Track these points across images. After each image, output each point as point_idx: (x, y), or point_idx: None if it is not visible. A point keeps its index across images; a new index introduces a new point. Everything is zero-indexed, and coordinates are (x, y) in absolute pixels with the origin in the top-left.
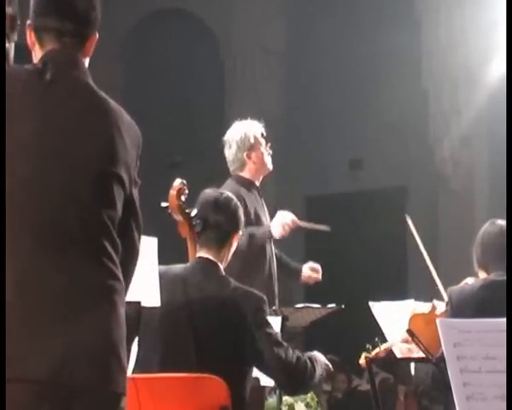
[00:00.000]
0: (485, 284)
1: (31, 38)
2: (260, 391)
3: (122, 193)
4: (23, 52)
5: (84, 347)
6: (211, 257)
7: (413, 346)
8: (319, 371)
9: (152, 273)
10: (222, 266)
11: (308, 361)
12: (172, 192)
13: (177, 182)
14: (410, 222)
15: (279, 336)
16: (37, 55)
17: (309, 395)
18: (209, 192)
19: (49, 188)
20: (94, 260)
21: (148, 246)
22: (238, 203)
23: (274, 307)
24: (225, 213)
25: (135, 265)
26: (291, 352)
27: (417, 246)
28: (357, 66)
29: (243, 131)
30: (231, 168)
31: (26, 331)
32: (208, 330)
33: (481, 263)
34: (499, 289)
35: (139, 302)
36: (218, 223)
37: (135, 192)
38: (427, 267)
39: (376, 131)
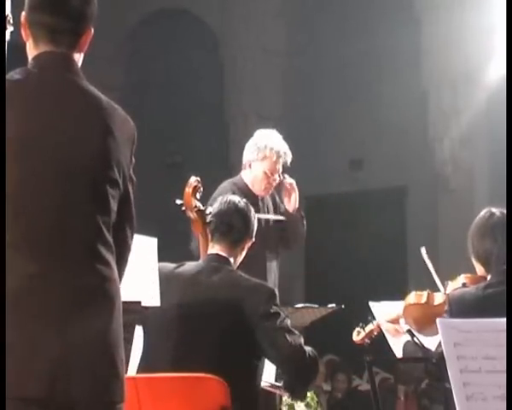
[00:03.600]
0: (484, 295)
1: (25, 30)
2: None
3: (117, 194)
4: (23, 52)
5: (81, 359)
6: (223, 253)
7: (399, 327)
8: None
9: (152, 273)
10: (232, 262)
11: (315, 355)
12: (188, 190)
13: (193, 179)
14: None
15: (290, 325)
16: (30, 51)
17: (309, 394)
18: (235, 198)
19: (43, 193)
20: (88, 267)
21: (148, 246)
22: (256, 220)
23: None
24: (244, 218)
25: (126, 261)
26: (302, 340)
27: (417, 246)
28: (357, 66)
29: (265, 143)
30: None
31: (21, 344)
32: (222, 326)
33: (480, 255)
34: (501, 301)
35: (139, 302)
36: (235, 225)
37: (130, 189)
38: (427, 267)
39: (376, 131)
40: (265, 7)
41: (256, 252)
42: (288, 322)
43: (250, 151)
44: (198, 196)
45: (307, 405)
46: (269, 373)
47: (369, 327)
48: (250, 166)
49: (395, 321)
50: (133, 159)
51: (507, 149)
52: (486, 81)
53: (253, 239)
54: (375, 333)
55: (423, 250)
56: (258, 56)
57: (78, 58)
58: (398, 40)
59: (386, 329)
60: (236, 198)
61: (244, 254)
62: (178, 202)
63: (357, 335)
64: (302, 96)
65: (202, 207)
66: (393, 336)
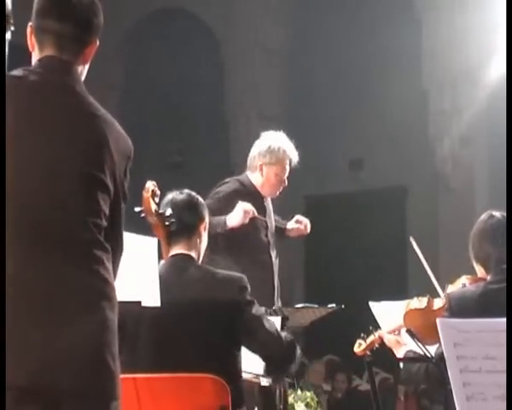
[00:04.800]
0: (485, 291)
1: (31, 40)
2: (267, 390)
3: (108, 200)
4: (23, 52)
5: (68, 352)
6: (185, 251)
7: (400, 338)
8: (299, 351)
9: (152, 273)
10: (196, 257)
11: (291, 339)
12: (146, 195)
13: (149, 184)
14: (414, 243)
15: (264, 311)
16: (35, 57)
17: (309, 394)
18: (173, 194)
19: (34, 192)
20: (80, 265)
21: (148, 246)
22: (200, 199)
23: (274, 307)
24: (190, 209)
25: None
26: (277, 327)
27: (418, 245)
28: (358, 65)
29: (278, 146)
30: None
31: (15, 341)
32: (197, 323)
33: (479, 257)
34: (501, 297)
35: (139, 302)
36: (183, 218)
37: (123, 207)
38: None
39: (376, 131)
40: (265, 7)
41: (263, 254)
42: (263, 309)
43: (262, 154)
44: (156, 199)
45: (307, 405)
46: (256, 365)
47: (371, 338)
48: (261, 168)
49: (396, 331)
50: (128, 177)
51: (507, 148)
52: (487, 80)
53: (207, 220)
54: (377, 345)
55: (412, 240)
56: (259, 56)
57: (82, 71)
58: (399, 40)
59: (388, 340)
60: (172, 194)
61: (205, 238)
62: (137, 209)
63: (359, 347)
64: (302, 96)
65: (161, 211)
66: (394, 348)
